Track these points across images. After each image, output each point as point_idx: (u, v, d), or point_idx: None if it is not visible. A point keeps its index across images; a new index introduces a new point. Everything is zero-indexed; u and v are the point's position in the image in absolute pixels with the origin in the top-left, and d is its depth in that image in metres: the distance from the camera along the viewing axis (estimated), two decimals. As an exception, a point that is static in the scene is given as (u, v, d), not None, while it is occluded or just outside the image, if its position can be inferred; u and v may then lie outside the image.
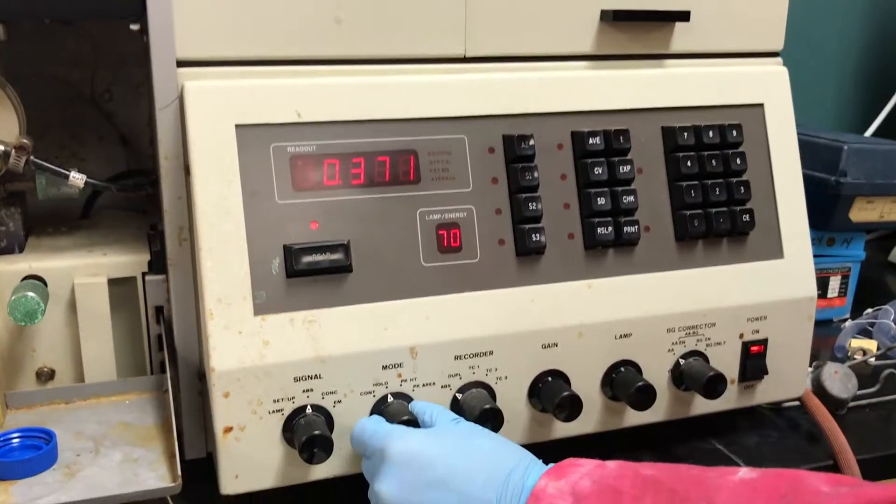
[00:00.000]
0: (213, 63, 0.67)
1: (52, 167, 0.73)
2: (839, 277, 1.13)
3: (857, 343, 1.01)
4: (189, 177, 0.65)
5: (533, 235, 0.71)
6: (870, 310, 1.10)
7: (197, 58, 0.66)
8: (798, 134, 0.81)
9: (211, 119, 0.64)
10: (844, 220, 1.07)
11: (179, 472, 0.59)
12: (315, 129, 0.67)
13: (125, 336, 0.77)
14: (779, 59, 0.82)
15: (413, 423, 0.65)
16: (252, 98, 0.65)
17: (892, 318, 1.05)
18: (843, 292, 1.14)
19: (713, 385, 0.73)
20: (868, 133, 1.47)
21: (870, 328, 1.06)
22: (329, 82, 0.68)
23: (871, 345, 1.01)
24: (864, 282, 1.15)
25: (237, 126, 0.65)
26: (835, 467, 0.77)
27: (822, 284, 1.12)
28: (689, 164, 0.75)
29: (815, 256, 1.06)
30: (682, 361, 0.75)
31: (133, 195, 0.86)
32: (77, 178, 0.73)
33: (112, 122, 0.94)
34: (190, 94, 0.64)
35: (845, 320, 1.11)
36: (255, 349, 0.64)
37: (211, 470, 0.65)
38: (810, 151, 1.08)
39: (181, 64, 0.66)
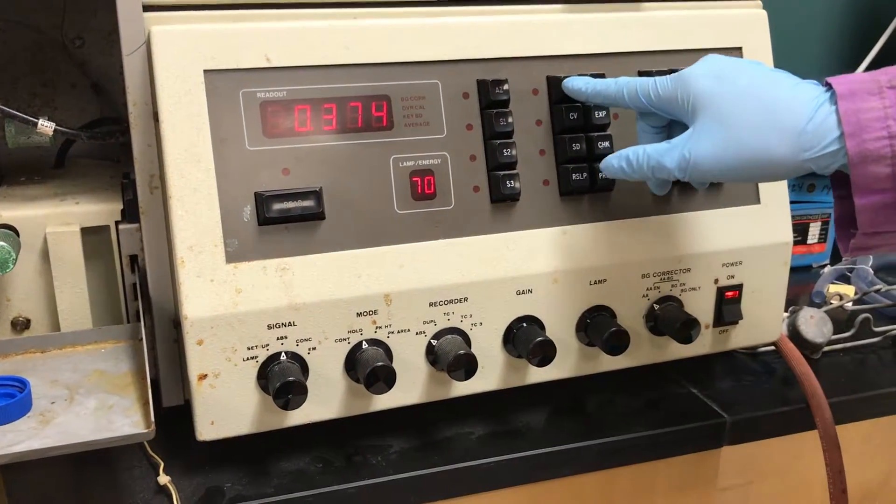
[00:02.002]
0: (180, 7, 0.65)
1: (20, 114, 0.72)
2: (819, 223, 1.13)
3: (834, 288, 1.02)
4: (158, 124, 0.64)
5: (508, 182, 0.70)
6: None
7: (163, 2, 0.65)
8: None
9: (178, 65, 0.63)
10: (825, 166, 1.07)
11: (153, 419, 0.60)
12: (285, 74, 0.66)
13: (100, 285, 0.77)
14: (758, 3, 0.81)
15: None
16: (220, 43, 0.64)
17: (870, 263, 1.06)
18: (822, 238, 1.14)
19: (687, 329, 0.73)
20: (853, 79, 1.46)
21: (848, 274, 1.06)
22: (299, 26, 0.66)
23: (848, 290, 1.02)
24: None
25: (206, 71, 0.64)
26: (807, 410, 0.78)
27: (802, 230, 1.13)
28: (663, 107, 0.75)
29: (795, 203, 1.07)
30: (656, 307, 0.76)
31: (107, 143, 0.85)
32: (46, 126, 0.72)
33: (84, 70, 0.93)
34: (156, 40, 0.63)
35: (824, 266, 1.12)
36: (228, 297, 0.63)
37: (189, 417, 0.66)
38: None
39: (147, 8, 0.65)
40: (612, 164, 0.68)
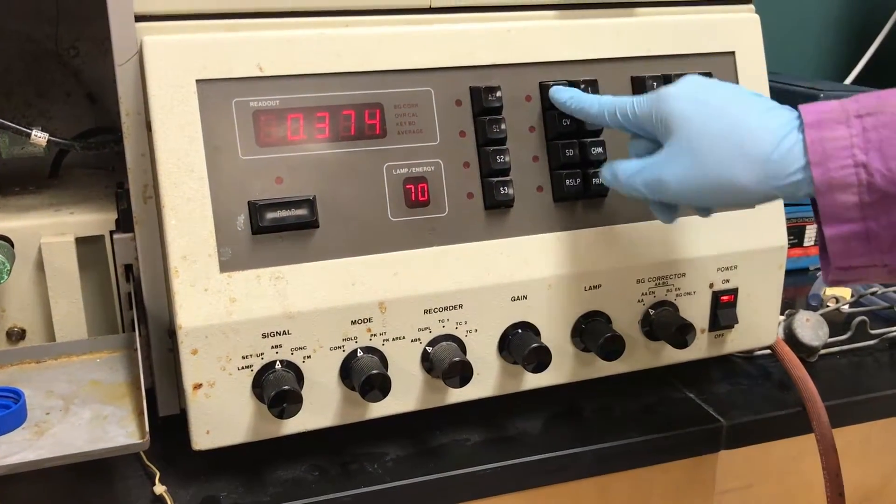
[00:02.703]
0: (172, 17, 0.65)
1: (13, 125, 0.72)
2: (815, 226, 1.13)
3: (831, 291, 1.02)
4: (151, 133, 0.64)
5: (501, 188, 0.70)
6: (845, 258, 1.10)
7: (156, 12, 0.65)
8: (776, 82, 0.81)
9: (171, 74, 0.63)
10: (820, 169, 1.07)
11: (147, 429, 0.60)
12: (278, 83, 0.66)
13: (95, 295, 0.77)
14: (751, 7, 0.81)
15: None
16: (213, 52, 0.64)
17: (866, 265, 1.06)
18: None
19: (682, 334, 0.73)
20: (848, 81, 1.46)
21: (845, 276, 1.06)
22: (291, 35, 0.67)
23: (845, 293, 1.01)
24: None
25: (198, 81, 0.64)
26: (804, 414, 0.78)
27: (799, 233, 1.13)
28: (656, 112, 0.75)
29: (791, 205, 1.07)
30: (651, 312, 0.76)
31: (102, 153, 0.85)
32: (39, 137, 0.72)
33: (79, 79, 0.93)
34: (149, 50, 0.63)
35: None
36: (222, 306, 0.63)
37: (185, 426, 0.66)
38: (788, 99, 1.06)
39: (140, 18, 0.65)
40: (603, 174, 0.68)
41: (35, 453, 0.58)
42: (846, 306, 0.97)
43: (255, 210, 0.64)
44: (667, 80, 0.75)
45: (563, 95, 0.71)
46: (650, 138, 0.66)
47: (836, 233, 0.56)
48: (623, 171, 0.65)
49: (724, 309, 0.79)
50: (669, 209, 0.67)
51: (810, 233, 1.14)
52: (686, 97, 0.62)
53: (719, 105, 0.61)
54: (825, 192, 0.55)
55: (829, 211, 0.56)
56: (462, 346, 0.70)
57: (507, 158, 0.70)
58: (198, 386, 0.64)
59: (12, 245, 0.72)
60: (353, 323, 0.67)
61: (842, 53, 1.57)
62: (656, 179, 0.62)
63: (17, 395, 0.64)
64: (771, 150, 0.57)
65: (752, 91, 0.63)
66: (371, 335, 0.68)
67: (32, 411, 0.64)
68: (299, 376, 0.66)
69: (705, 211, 0.70)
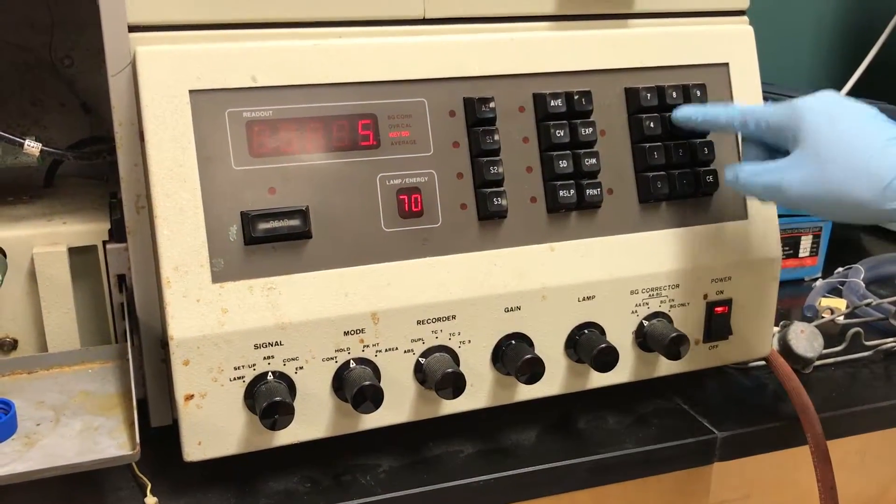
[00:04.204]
0: (165, 27, 0.65)
1: (6, 135, 0.72)
2: (810, 237, 1.13)
3: (826, 302, 1.02)
4: (144, 143, 0.64)
5: (495, 199, 0.70)
6: (840, 269, 1.11)
7: (149, 22, 0.65)
8: (772, 93, 0.81)
9: (164, 85, 0.63)
10: (815, 180, 1.07)
11: (138, 441, 0.59)
12: (271, 93, 0.66)
13: (88, 305, 0.76)
14: (745, 18, 0.82)
15: None
16: (206, 63, 0.64)
17: (861, 276, 1.06)
18: (814, 251, 1.14)
19: (676, 346, 0.73)
20: (843, 92, 1.47)
21: (840, 287, 1.06)
22: (285, 46, 0.67)
23: (840, 304, 1.01)
24: (837, 241, 1.16)
25: (191, 91, 0.64)
26: (798, 426, 0.78)
27: (794, 244, 1.13)
28: (651, 125, 0.75)
29: (786, 216, 1.07)
30: (645, 323, 0.76)
31: (96, 163, 0.85)
32: (32, 147, 0.72)
33: (73, 89, 0.93)
34: (142, 60, 0.63)
35: (816, 279, 1.12)
36: (214, 317, 0.63)
37: (177, 437, 0.65)
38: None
39: (133, 29, 0.65)
40: (726, 173, 0.72)
41: (25, 465, 0.58)
42: (841, 318, 0.97)
43: (248, 220, 0.64)
44: (660, 91, 0.75)
45: (688, 111, 0.74)
46: (770, 146, 0.71)
47: None
48: (744, 172, 0.70)
49: (718, 320, 0.79)
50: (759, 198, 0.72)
51: (805, 243, 1.14)
52: (821, 110, 0.66)
53: (851, 122, 0.65)
54: None
55: None
56: (455, 358, 0.70)
57: (500, 169, 0.70)
58: (189, 397, 0.64)
59: (5, 255, 0.72)
60: (346, 334, 0.67)
61: (837, 64, 1.58)
62: (776, 183, 0.67)
63: (7, 406, 0.64)
64: (891, 178, 0.61)
65: (882, 115, 0.66)
66: (364, 346, 0.67)
67: (23, 422, 0.64)
68: (291, 387, 0.66)
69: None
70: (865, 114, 0.66)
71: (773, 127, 0.69)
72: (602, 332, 0.74)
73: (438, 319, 0.69)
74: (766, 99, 0.82)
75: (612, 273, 0.74)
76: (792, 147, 0.67)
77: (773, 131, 0.69)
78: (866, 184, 0.62)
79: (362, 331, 0.67)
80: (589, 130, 0.73)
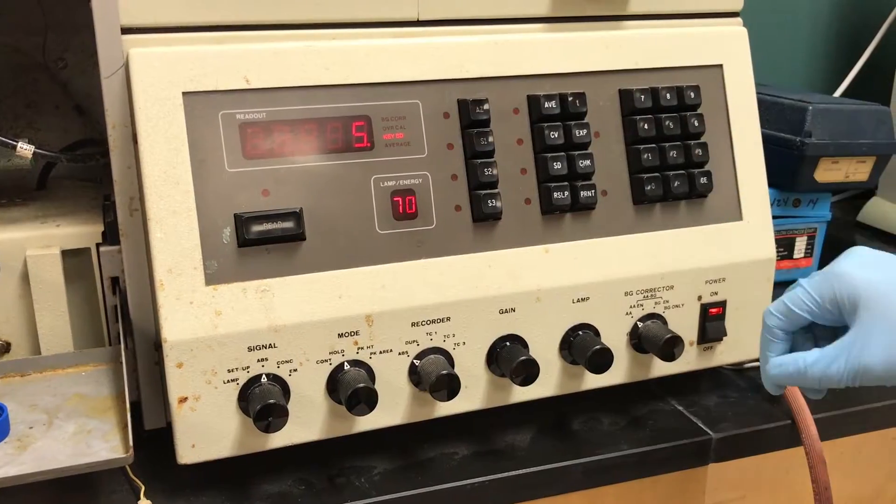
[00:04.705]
0: (158, 30, 0.65)
1: (-1, 138, 0.72)
2: (805, 238, 1.13)
3: (820, 303, 1.02)
4: (137, 146, 0.64)
5: (489, 201, 0.70)
6: (835, 270, 1.11)
7: (142, 24, 0.65)
8: (764, 94, 0.81)
9: (157, 87, 0.63)
10: (810, 181, 1.07)
11: (131, 444, 0.59)
12: (264, 95, 0.66)
13: (82, 307, 0.76)
14: (738, 20, 0.82)
15: None
16: (199, 65, 0.64)
17: (856, 277, 1.06)
18: (809, 253, 1.14)
19: (670, 347, 0.73)
20: (837, 93, 1.47)
21: (834, 288, 1.06)
22: (278, 48, 0.66)
23: (834, 305, 1.01)
24: (832, 242, 1.16)
25: (184, 94, 0.64)
26: (793, 427, 0.78)
27: (789, 245, 1.13)
28: (646, 126, 0.75)
29: (780, 217, 1.07)
30: (640, 324, 0.76)
31: (89, 165, 0.85)
32: (25, 149, 0.72)
33: (67, 91, 0.93)
34: (135, 62, 0.63)
35: (811, 281, 1.12)
36: (208, 319, 0.63)
37: (171, 440, 0.65)
38: (776, 112, 1.07)
39: (126, 31, 0.65)
40: (782, 372, 0.63)
41: (17, 468, 0.57)
42: (835, 318, 0.96)
43: (241, 223, 0.64)
44: (654, 92, 0.75)
45: (774, 371, 0.65)
46: (825, 325, 0.63)
47: None
48: (812, 366, 0.60)
49: (712, 321, 0.79)
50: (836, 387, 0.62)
51: (800, 244, 1.14)
52: (866, 268, 0.59)
53: None
54: None
55: None
56: (450, 360, 0.70)
57: (494, 171, 0.70)
58: (183, 399, 0.63)
59: (-3, 258, 0.72)
60: (340, 336, 0.67)
61: (831, 66, 1.58)
62: (859, 366, 0.58)
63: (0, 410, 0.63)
64: None
65: None
66: (358, 348, 0.67)
67: (16, 425, 0.63)
68: (285, 390, 0.66)
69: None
70: None
71: (823, 301, 0.61)
72: (597, 333, 0.74)
73: (433, 321, 0.69)
74: (760, 101, 0.82)
75: (607, 274, 0.74)
76: (850, 319, 0.59)
77: (825, 306, 0.61)
78: None
79: (356, 333, 0.67)
80: (583, 132, 0.73)
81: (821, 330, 0.65)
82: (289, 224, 0.65)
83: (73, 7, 0.89)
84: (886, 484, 0.90)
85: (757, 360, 0.84)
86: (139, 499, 0.66)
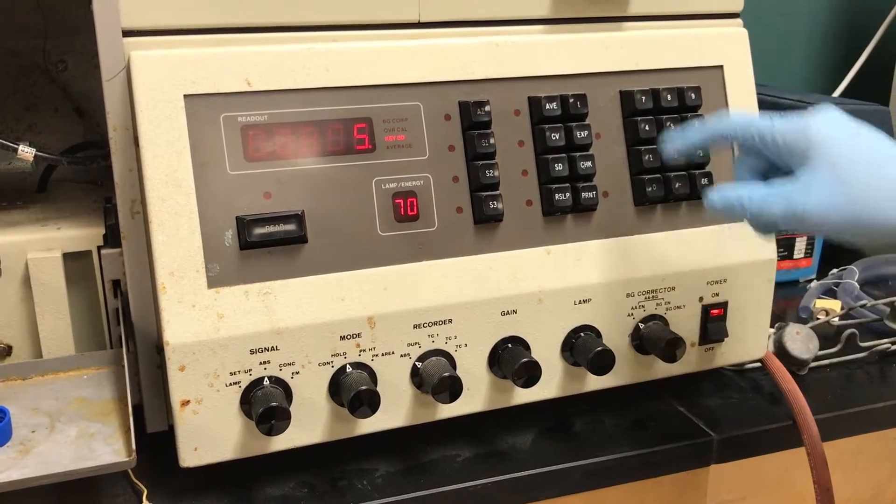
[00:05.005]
0: (159, 32, 0.65)
1: (0, 140, 0.71)
2: (805, 238, 1.13)
3: (821, 303, 1.02)
4: (138, 149, 0.64)
5: (491, 203, 0.70)
6: (835, 270, 1.11)
7: (143, 27, 0.65)
8: (764, 95, 0.81)
9: (158, 89, 0.63)
10: (809, 182, 1.07)
11: (134, 447, 0.59)
12: (266, 97, 0.66)
13: (83, 310, 0.76)
14: (739, 21, 0.82)
15: None
16: (200, 67, 0.64)
17: (856, 277, 1.06)
18: (809, 253, 1.14)
19: (672, 348, 0.73)
20: (836, 94, 1.47)
21: (835, 288, 1.07)
22: (279, 50, 0.66)
23: (834, 305, 1.02)
24: (831, 243, 1.16)
25: (186, 96, 0.64)
26: (794, 427, 0.78)
27: (788, 245, 1.13)
28: (647, 127, 0.75)
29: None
30: (641, 326, 0.76)
31: (90, 168, 0.85)
32: (26, 152, 0.72)
33: (67, 94, 0.93)
34: (136, 65, 0.63)
35: (811, 281, 1.12)
36: (210, 322, 0.63)
37: (173, 443, 0.65)
38: (776, 112, 1.07)
39: (127, 34, 0.65)
40: (723, 199, 0.64)
41: (19, 472, 0.57)
42: (836, 319, 0.97)
43: (243, 225, 0.64)
44: (655, 94, 0.76)
45: (679, 132, 0.68)
46: (768, 161, 0.65)
47: None
48: (756, 198, 0.62)
49: (713, 322, 0.79)
50: (773, 228, 0.64)
51: (800, 245, 1.14)
52: (832, 126, 0.61)
53: (868, 141, 0.60)
54: None
55: None
56: (452, 362, 0.70)
57: (496, 173, 0.70)
58: (185, 403, 0.63)
59: (-1, 261, 0.72)
60: (342, 338, 0.67)
61: (830, 66, 1.58)
62: (795, 210, 0.60)
63: (2, 413, 0.63)
64: None
65: (882, 131, 0.62)
66: (360, 350, 0.67)
67: (17, 429, 0.63)
68: (288, 392, 0.66)
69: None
70: (877, 132, 0.61)
71: (782, 143, 0.62)
72: (598, 335, 0.74)
73: (435, 323, 0.69)
74: (760, 102, 0.82)
75: (608, 276, 0.74)
76: (798, 166, 0.61)
77: (780, 147, 0.62)
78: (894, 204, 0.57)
79: (358, 335, 0.67)
80: (584, 133, 0.73)
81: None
82: (291, 226, 0.65)
83: (73, 9, 0.89)
84: (887, 484, 0.90)
85: (758, 361, 0.84)
86: (142, 502, 0.66)
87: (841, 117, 0.62)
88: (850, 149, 0.59)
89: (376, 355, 0.68)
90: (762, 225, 0.64)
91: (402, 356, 0.69)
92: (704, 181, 0.77)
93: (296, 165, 0.66)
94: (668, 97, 0.76)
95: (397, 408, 0.70)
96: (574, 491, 0.74)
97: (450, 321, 0.70)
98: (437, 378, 0.67)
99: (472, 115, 0.70)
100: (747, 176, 0.66)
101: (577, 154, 0.73)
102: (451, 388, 0.67)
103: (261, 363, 0.65)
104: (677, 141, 0.69)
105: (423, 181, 0.69)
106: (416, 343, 0.69)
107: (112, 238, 0.74)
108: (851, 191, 0.58)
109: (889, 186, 0.57)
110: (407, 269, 0.68)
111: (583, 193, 0.73)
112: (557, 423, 0.78)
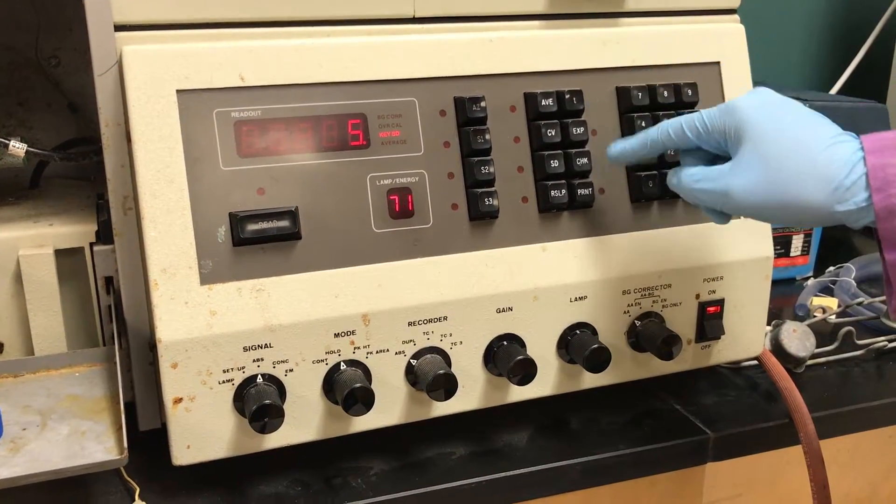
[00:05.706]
0: (152, 27, 0.65)
1: (-9, 136, 0.71)
2: (802, 236, 1.13)
3: (818, 301, 1.02)
4: (131, 144, 0.63)
5: (486, 199, 0.70)
6: (832, 267, 1.11)
7: (135, 22, 0.64)
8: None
9: (151, 85, 0.63)
10: (806, 179, 1.07)
11: (126, 445, 0.58)
12: (260, 93, 0.65)
13: (75, 307, 0.75)
14: (736, 17, 0.81)
15: None
16: (193, 62, 0.64)
17: (852, 275, 1.06)
18: (805, 251, 1.14)
19: (668, 346, 0.73)
20: (834, 91, 1.47)
21: (831, 286, 1.06)
22: (273, 45, 0.66)
23: (831, 303, 1.01)
24: (828, 240, 1.16)
25: (178, 91, 0.63)
26: (791, 425, 0.78)
27: (785, 243, 1.13)
28: (644, 124, 0.74)
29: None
30: (637, 323, 0.75)
31: (82, 164, 0.84)
32: (17, 148, 0.71)
33: (60, 89, 0.92)
34: (128, 60, 0.62)
35: (808, 278, 1.12)
36: (203, 319, 0.63)
37: (166, 441, 0.65)
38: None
39: (119, 28, 0.64)
40: (669, 178, 0.68)
41: (10, 470, 0.57)
42: (833, 317, 0.97)
43: (236, 222, 0.63)
44: (652, 90, 0.75)
45: (618, 146, 0.71)
46: (712, 151, 0.67)
47: None
48: (686, 177, 0.66)
49: (710, 320, 0.78)
50: (724, 213, 0.67)
51: (796, 242, 1.14)
52: (759, 107, 0.62)
53: (793, 120, 0.61)
54: (885, 217, 0.57)
55: (888, 235, 0.57)
56: (447, 359, 0.70)
57: (491, 169, 0.70)
58: (178, 400, 0.63)
59: (-10, 257, 0.71)
60: (337, 336, 0.66)
61: (827, 63, 1.58)
62: (721, 189, 0.63)
63: (-7, 411, 0.63)
64: (843, 176, 0.58)
65: (815, 112, 0.63)
66: (354, 348, 0.67)
67: (9, 427, 0.63)
68: (281, 390, 0.65)
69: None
70: (805, 112, 0.62)
71: (712, 130, 0.64)
72: (594, 332, 0.74)
73: (430, 321, 0.69)
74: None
75: (604, 273, 0.74)
76: (733, 150, 0.63)
77: (712, 135, 0.64)
78: (814, 186, 0.59)
79: (353, 332, 0.67)
80: (580, 130, 0.73)
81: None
82: (284, 223, 0.64)
83: (65, 4, 0.88)
84: (883, 482, 0.90)
85: (755, 358, 0.84)
86: (134, 501, 0.65)
87: (769, 97, 0.64)
88: (774, 129, 0.61)
89: (371, 353, 0.67)
90: (704, 209, 0.68)
91: (396, 354, 0.68)
92: (701, 178, 0.76)
93: (290, 161, 0.66)
94: (665, 93, 0.76)
95: (392, 405, 0.69)
96: (570, 489, 0.73)
97: (445, 318, 0.69)
98: (431, 376, 0.66)
99: (467, 111, 0.70)
100: (690, 164, 0.68)
101: (573, 150, 0.73)
102: (446, 385, 0.66)
103: (254, 360, 0.64)
104: (615, 148, 0.71)
105: (417, 177, 0.69)
106: (410, 340, 0.68)
107: (104, 234, 0.73)
108: (774, 174, 0.60)
109: (810, 166, 0.59)
110: (402, 265, 0.68)
111: (579, 190, 0.72)
112: (553, 420, 0.78)
